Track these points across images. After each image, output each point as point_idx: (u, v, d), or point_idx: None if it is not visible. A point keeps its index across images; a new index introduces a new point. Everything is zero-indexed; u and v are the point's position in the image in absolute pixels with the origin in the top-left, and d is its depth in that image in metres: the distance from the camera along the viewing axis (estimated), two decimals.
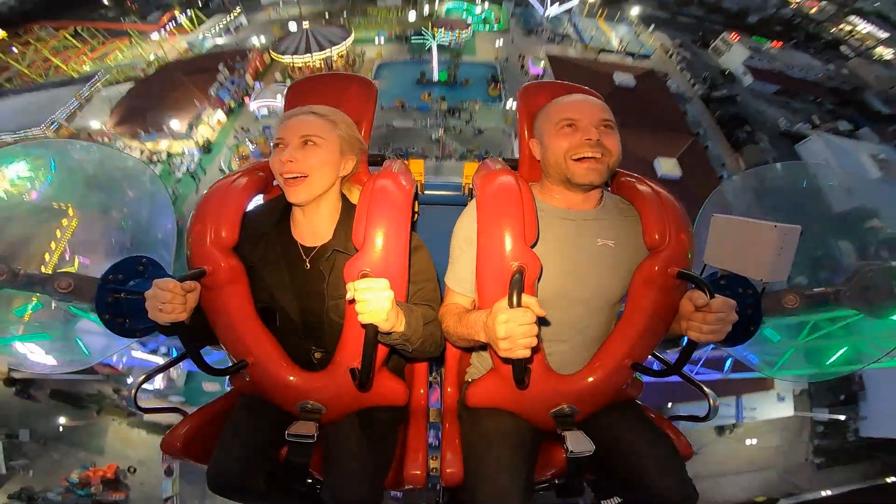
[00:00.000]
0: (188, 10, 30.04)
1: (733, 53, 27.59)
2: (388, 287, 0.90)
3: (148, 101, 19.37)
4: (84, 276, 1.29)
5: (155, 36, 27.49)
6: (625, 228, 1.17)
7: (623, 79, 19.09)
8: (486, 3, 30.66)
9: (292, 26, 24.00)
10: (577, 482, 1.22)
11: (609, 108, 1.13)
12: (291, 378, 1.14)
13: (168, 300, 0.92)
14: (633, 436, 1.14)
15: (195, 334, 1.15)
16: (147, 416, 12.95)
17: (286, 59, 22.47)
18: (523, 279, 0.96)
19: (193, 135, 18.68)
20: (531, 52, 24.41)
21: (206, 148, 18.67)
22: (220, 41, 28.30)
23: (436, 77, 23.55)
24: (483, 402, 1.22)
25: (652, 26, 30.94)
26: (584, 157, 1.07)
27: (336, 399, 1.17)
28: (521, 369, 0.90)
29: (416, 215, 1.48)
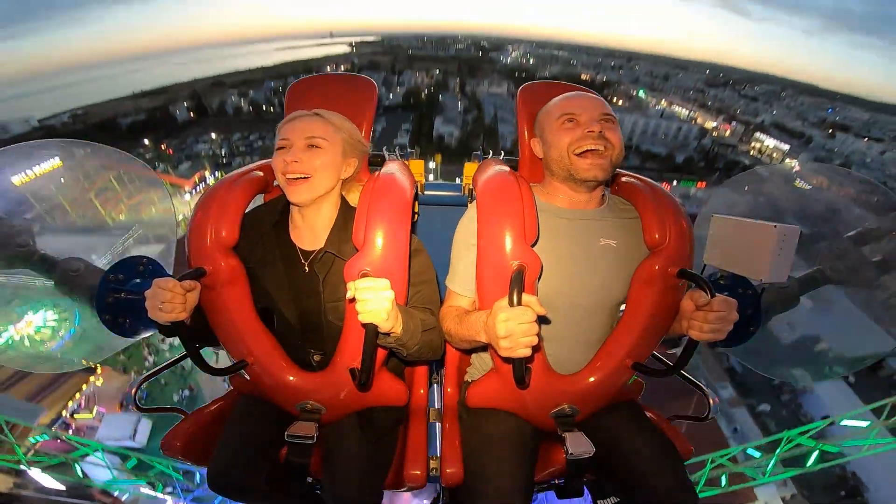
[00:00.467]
0: (216, 172, 34.98)
1: None
2: (388, 287, 0.89)
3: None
4: (92, 265, 1.31)
5: (187, 197, 31.21)
6: (626, 229, 1.16)
7: None
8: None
9: None
10: (576, 483, 1.21)
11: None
12: (291, 378, 1.14)
13: (168, 299, 0.91)
14: (633, 436, 1.13)
15: (195, 334, 1.15)
16: None
17: None
18: (523, 277, 0.95)
19: None
20: None
21: None
22: None
23: None
24: (483, 402, 1.21)
25: None
26: (586, 151, 1.06)
27: (336, 399, 1.17)
28: (521, 368, 0.89)
29: (416, 216, 1.47)
